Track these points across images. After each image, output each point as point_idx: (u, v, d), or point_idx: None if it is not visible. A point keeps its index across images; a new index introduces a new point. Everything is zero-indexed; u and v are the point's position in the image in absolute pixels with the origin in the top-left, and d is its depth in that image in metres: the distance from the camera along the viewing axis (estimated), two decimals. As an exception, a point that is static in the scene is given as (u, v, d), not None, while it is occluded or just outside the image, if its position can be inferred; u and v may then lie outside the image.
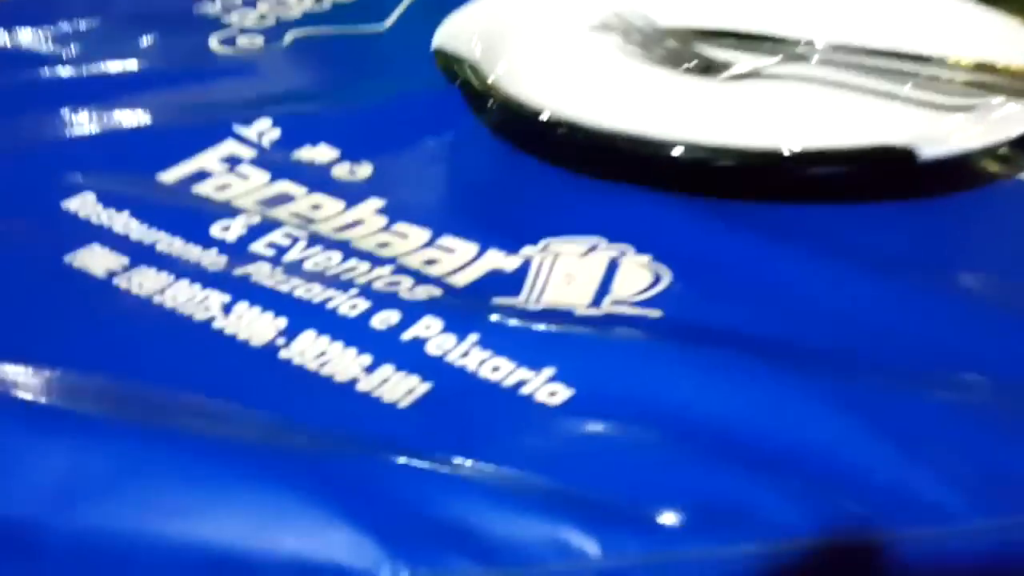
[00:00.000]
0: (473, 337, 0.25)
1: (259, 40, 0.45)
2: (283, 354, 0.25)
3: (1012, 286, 0.28)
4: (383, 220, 0.31)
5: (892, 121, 0.35)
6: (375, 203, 0.32)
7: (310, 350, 0.25)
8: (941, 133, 0.33)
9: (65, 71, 0.42)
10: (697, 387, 0.23)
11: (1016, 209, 0.32)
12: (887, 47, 0.37)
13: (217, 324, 0.26)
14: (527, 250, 0.29)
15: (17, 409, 0.22)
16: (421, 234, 0.30)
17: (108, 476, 0.21)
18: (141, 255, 0.29)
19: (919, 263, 0.29)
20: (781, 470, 0.21)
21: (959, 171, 0.33)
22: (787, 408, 0.23)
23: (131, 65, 0.42)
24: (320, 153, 0.36)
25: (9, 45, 0.45)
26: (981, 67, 0.35)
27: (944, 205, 0.32)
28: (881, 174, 0.31)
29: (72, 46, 0.44)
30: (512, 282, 0.28)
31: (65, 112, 0.38)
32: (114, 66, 0.42)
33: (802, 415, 0.23)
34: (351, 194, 0.33)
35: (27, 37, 0.45)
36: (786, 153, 0.29)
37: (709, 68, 0.38)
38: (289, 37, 0.45)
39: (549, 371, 0.24)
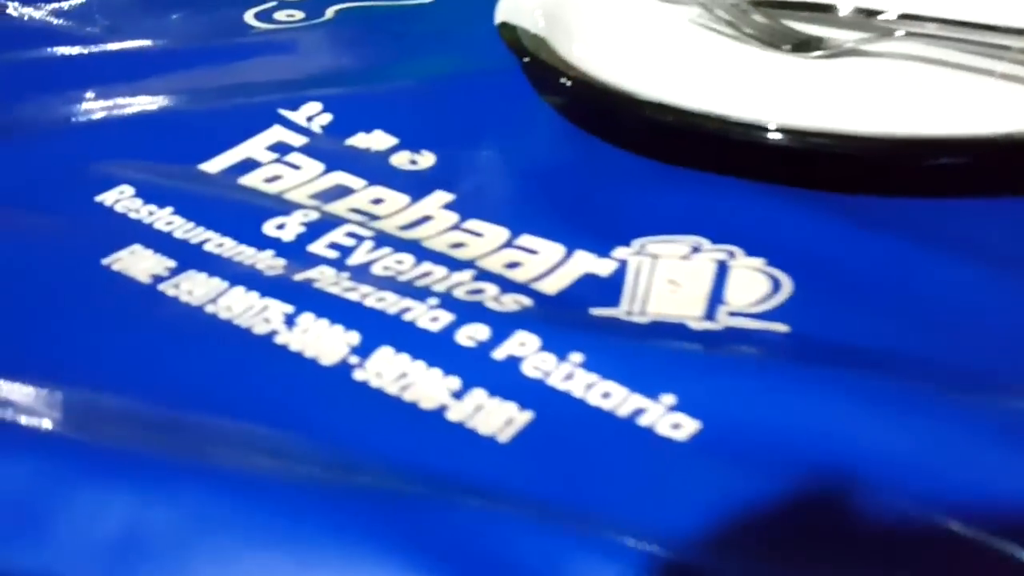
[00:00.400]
0: (576, 357, 0.22)
1: (298, 14, 0.41)
2: (358, 375, 0.22)
3: None
4: (453, 216, 0.28)
5: (1001, 103, 0.32)
6: (442, 197, 0.29)
7: (388, 371, 0.22)
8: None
9: (88, 49, 0.38)
10: (847, 420, 0.20)
11: None
12: (981, 20, 0.34)
13: (280, 339, 0.23)
14: (620, 251, 0.26)
15: (64, 449, 0.19)
16: (498, 233, 0.27)
17: (171, 530, 0.18)
18: (189, 257, 0.26)
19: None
20: (957, 516, 0.19)
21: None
22: (951, 445, 0.20)
23: (160, 42, 0.39)
24: (377, 140, 0.32)
25: (27, 19, 0.42)
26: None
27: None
28: (1012, 165, 0.28)
29: (96, 21, 0.41)
30: (609, 289, 0.25)
31: (91, 94, 0.35)
32: (142, 43, 0.39)
33: (967, 452, 0.20)
34: (415, 187, 0.30)
35: (49, 12, 0.42)
36: (924, 140, 0.26)
37: (800, 45, 0.35)
38: (331, 11, 0.42)
39: (669, 399, 0.21)
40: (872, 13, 0.36)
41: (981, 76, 0.33)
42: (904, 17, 0.35)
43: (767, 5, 0.37)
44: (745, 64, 0.34)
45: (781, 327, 0.23)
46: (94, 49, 0.39)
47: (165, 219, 0.28)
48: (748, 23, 0.35)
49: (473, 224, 0.28)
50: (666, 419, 0.20)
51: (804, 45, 0.35)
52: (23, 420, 0.20)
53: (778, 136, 0.26)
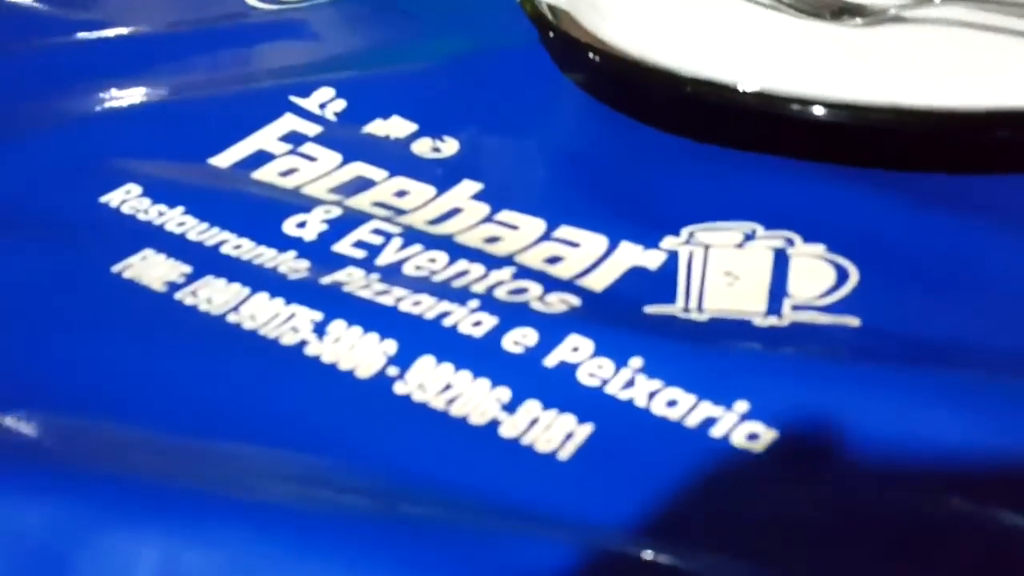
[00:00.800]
0: (635, 361, 0.20)
1: (303, -7, 0.40)
2: (399, 388, 0.20)
3: None
4: (484, 208, 0.26)
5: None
6: (470, 187, 0.27)
7: (431, 383, 0.20)
8: None
9: (80, 37, 0.36)
10: (936, 422, 0.18)
11: None
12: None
13: (311, 350, 0.21)
14: (668, 241, 0.24)
15: (84, 486, 0.17)
16: (534, 224, 0.25)
17: (209, 573, 0.16)
18: (205, 261, 0.24)
19: None
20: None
21: None
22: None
23: (158, 28, 0.37)
24: (395, 127, 0.30)
25: (14, 5, 0.39)
26: None
27: None
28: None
29: (87, 6, 0.39)
30: (660, 284, 0.23)
31: (86, 87, 0.33)
32: (137, 29, 0.37)
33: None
34: (440, 176, 0.28)
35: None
36: (989, 114, 0.24)
37: (840, 13, 0.33)
38: (336, -12, 0.40)
39: (742, 406, 0.19)
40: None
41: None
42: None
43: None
44: (785, 35, 0.32)
45: (852, 320, 0.21)
46: (86, 37, 0.36)
47: (176, 220, 0.26)
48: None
49: (506, 215, 0.26)
50: (741, 428, 0.19)
51: (844, 13, 0.33)
52: (35, 454, 0.19)
53: (836, 113, 0.24)
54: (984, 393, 0.19)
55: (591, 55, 0.29)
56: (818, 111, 0.25)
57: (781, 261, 0.23)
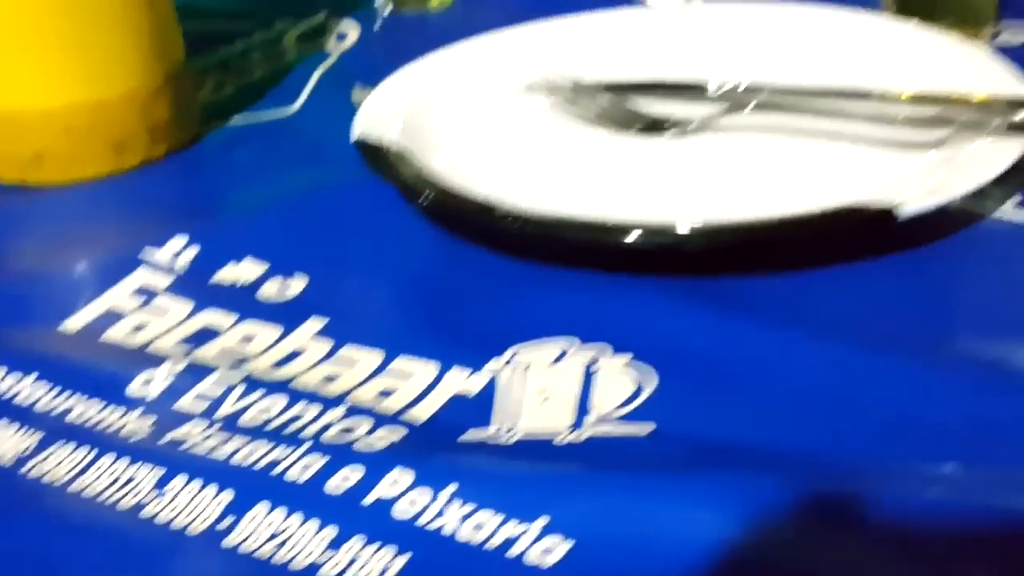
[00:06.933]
0: (450, 488, 0.22)
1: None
2: (228, 541, 0.21)
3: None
4: (326, 345, 0.28)
5: (853, 169, 0.32)
6: (315, 324, 0.29)
7: (262, 530, 0.22)
8: (911, 182, 0.30)
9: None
10: (714, 524, 0.20)
11: (1001, 253, 0.30)
12: (827, 85, 0.35)
13: (148, 511, 0.22)
14: (492, 364, 0.26)
15: None
16: (372, 358, 0.27)
17: None
18: (54, 429, 0.25)
19: (917, 334, 0.26)
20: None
21: (934, 221, 0.29)
22: (831, 538, 0.20)
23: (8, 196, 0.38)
24: (245, 271, 0.32)
25: None
26: (928, 99, 0.33)
27: (921, 257, 0.29)
28: (855, 235, 0.29)
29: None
30: (478, 409, 0.25)
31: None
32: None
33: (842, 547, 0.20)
34: (286, 316, 0.29)
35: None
36: (757, 224, 0.27)
37: (654, 125, 0.36)
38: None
39: (542, 521, 0.21)
40: (721, 87, 0.36)
41: (831, 141, 0.34)
42: (750, 90, 0.35)
43: (620, 88, 0.37)
44: (599, 152, 0.35)
45: (646, 427, 0.24)
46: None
47: (28, 388, 0.27)
48: (594, 106, 0.36)
49: (347, 351, 0.27)
50: (538, 545, 0.20)
51: (655, 125, 0.36)
52: None
53: (643, 237, 0.27)
54: (759, 492, 0.21)
55: (420, 198, 0.31)
56: (625, 236, 0.27)
57: (588, 376, 0.26)
